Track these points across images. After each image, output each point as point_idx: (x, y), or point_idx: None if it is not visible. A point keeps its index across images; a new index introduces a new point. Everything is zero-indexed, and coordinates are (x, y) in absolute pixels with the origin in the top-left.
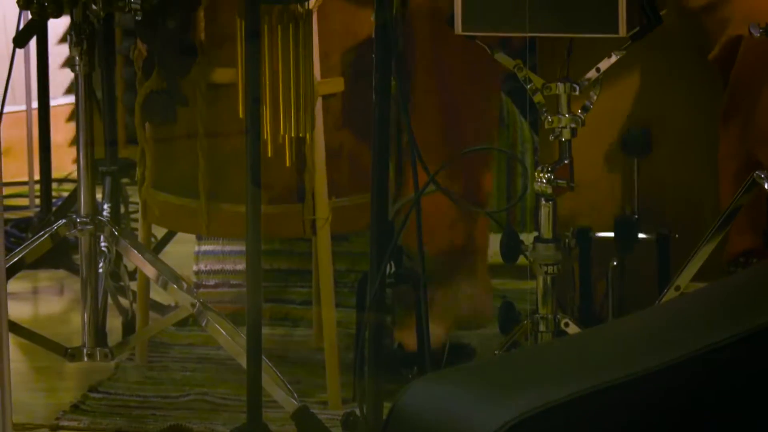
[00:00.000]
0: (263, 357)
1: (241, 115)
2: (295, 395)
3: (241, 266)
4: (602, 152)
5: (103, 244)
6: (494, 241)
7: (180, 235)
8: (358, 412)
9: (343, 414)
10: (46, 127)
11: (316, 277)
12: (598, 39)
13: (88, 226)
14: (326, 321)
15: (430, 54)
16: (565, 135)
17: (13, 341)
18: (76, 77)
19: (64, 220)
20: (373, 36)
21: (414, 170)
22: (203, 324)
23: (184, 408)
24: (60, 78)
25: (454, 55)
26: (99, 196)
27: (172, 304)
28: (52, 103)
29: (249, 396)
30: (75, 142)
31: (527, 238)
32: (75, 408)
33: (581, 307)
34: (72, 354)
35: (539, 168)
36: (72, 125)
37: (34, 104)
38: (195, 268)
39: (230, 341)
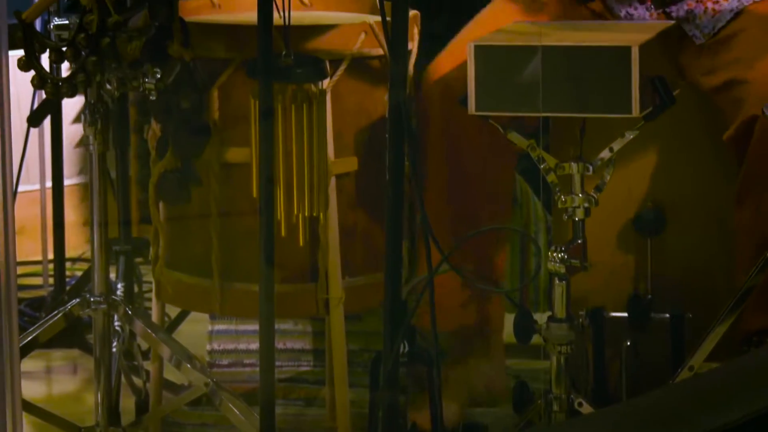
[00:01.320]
0: None
1: (254, 195)
2: None
3: (254, 345)
4: (616, 231)
5: (116, 323)
6: (508, 320)
7: (193, 315)
8: None
9: None
10: (60, 206)
11: (330, 356)
12: (611, 119)
13: (102, 306)
14: (339, 401)
15: (444, 134)
16: (579, 215)
17: (27, 420)
18: (90, 157)
19: (77, 300)
20: (387, 116)
21: (427, 249)
22: (217, 404)
23: None
24: (74, 157)
25: (467, 135)
26: (113, 275)
27: (186, 383)
28: (66, 182)
29: None
30: (89, 221)
31: (541, 317)
32: None
33: (595, 387)
34: None
35: (552, 248)
36: (86, 205)
37: (48, 183)
38: (208, 347)
39: (244, 421)
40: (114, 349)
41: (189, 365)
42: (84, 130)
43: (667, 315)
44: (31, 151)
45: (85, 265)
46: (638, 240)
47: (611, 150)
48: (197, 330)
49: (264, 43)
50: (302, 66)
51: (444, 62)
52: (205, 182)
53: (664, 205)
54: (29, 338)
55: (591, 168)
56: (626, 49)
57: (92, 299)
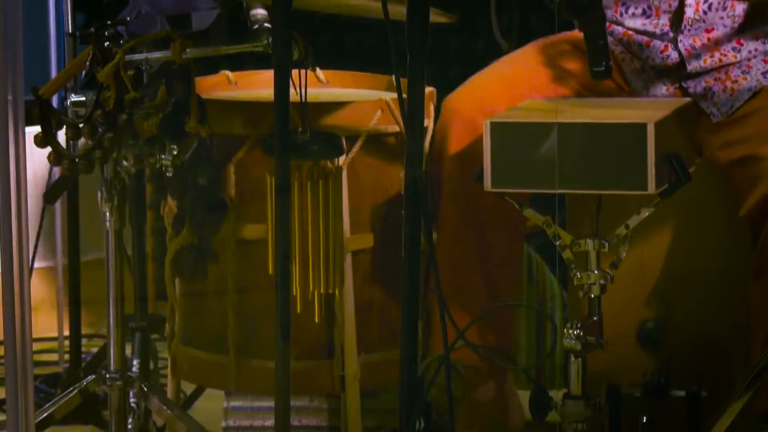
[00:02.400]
0: None
1: (270, 271)
2: None
3: (270, 422)
4: (632, 308)
5: (132, 400)
6: (524, 397)
7: (209, 391)
8: None
9: None
10: (75, 282)
11: None
12: (627, 195)
13: (118, 382)
14: None
15: (460, 210)
16: (594, 291)
17: None
18: (106, 233)
19: (93, 376)
20: (403, 192)
21: (443, 326)
22: None
23: None
24: (90, 233)
25: (483, 211)
26: (128, 351)
27: None
28: (82, 258)
29: None
30: (105, 297)
31: (556, 394)
32: None
33: None
34: None
35: (568, 324)
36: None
37: (64, 260)
38: (224, 424)
39: None
40: (129, 426)
41: None
42: (100, 206)
43: (683, 393)
44: (46, 228)
45: (100, 342)
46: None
47: (627, 227)
48: (213, 406)
49: (280, 120)
50: (318, 142)
51: (462, 98)
52: (222, 258)
53: (679, 282)
54: (45, 415)
55: (607, 245)
56: (642, 126)
57: (108, 376)
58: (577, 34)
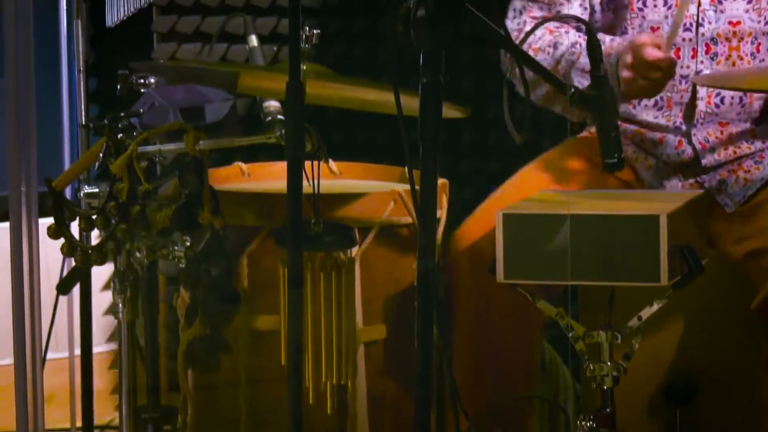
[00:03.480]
0: None
1: (283, 362)
2: None
3: None
4: (644, 400)
5: None
6: None
7: None
8: None
9: None
10: (88, 373)
11: None
12: (640, 287)
13: None
14: None
15: (472, 301)
16: (607, 383)
17: None
18: (119, 324)
19: None
20: (416, 284)
21: (456, 417)
22: None
23: None
24: (103, 324)
25: (495, 303)
26: None
27: None
28: (95, 350)
29: None
30: (117, 389)
31: None
32: None
33: None
34: None
35: (581, 416)
36: (115, 372)
37: (77, 351)
38: None
39: None
40: None
41: None
42: (113, 297)
43: None
44: (59, 318)
45: None
46: (667, 409)
47: (639, 319)
48: None
49: (293, 212)
50: (331, 234)
51: (472, 228)
52: (234, 350)
53: (693, 374)
54: None
55: (619, 336)
56: (654, 218)
57: None
58: (581, 135)
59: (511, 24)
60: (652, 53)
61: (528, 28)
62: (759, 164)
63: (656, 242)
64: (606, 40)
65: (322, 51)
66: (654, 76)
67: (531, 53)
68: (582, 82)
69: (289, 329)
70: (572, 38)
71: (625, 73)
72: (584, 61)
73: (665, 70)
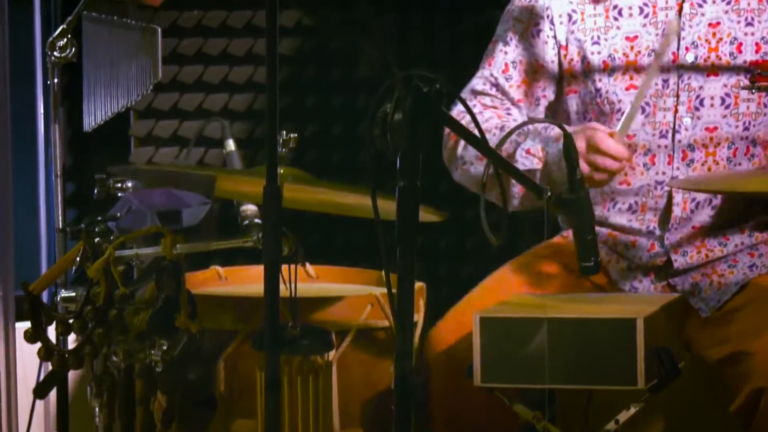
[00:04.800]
0: None
1: None
2: None
3: None
4: None
5: None
6: None
7: None
8: None
9: None
10: None
11: None
12: (617, 390)
13: None
14: None
15: (449, 404)
16: None
17: None
18: (96, 429)
19: None
20: (393, 387)
21: None
22: None
23: None
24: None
25: (472, 406)
26: None
27: None
28: None
29: None
30: None
31: None
32: None
33: None
34: None
35: None
36: None
37: None
38: None
39: None
40: None
41: None
42: (90, 401)
43: None
44: (36, 423)
45: None
46: None
47: (617, 422)
48: None
49: (270, 315)
50: (308, 337)
51: (448, 330)
52: None
53: None
54: None
55: None
56: (631, 321)
57: None
58: (554, 241)
59: (457, 109)
60: (605, 141)
61: (477, 110)
62: (733, 268)
63: (633, 346)
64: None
65: (300, 155)
66: (604, 164)
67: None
68: (525, 164)
69: None
70: (519, 122)
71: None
72: (530, 143)
73: (618, 158)
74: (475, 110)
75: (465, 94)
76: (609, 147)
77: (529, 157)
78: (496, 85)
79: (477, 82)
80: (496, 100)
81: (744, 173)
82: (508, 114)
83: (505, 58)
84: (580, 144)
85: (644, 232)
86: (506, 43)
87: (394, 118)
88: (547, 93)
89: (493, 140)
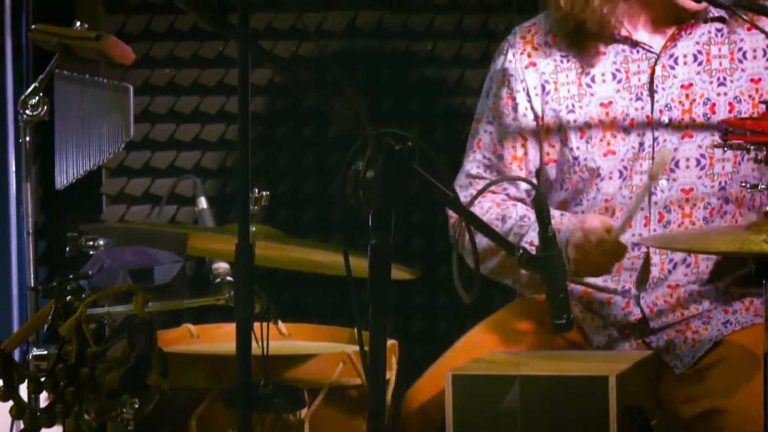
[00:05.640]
0: None
1: None
2: None
3: None
4: None
5: None
6: None
7: None
8: None
9: None
10: None
11: None
12: None
13: None
14: None
15: None
16: None
17: None
18: None
19: None
20: None
21: None
22: None
23: None
24: None
25: None
26: None
27: None
28: None
29: None
30: None
31: None
32: None
33: None
34: None
35: None
36: None
37: None
38: None
39: None
40: None
41: None
42: None
43: None
44: None
45: None
46: None
47: None
48: None
49: (243, 373)
50: (280, 396)
51: (421, 389)
52: None
53: None
54: None
55: None
56: (603, 379)
57: None
58: (528, 298)
59: (456, 185)
60: (602, 237)
61: (473, 191)
62: (707, 325)
63: (605, 403)
64: (556, 215)
65: (272, 212)
66: (601, 260)
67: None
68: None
69: None
70: (520, 211)
71: (574, 254)
72: (533, 234)
73: (613, 255)
74: (470, 189)
75: (461, 178)
76: (606, 250)
77: (533, 250)
78: (490, 167)
79: (471, 166)
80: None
81: (718, 231)
82: (506, 195)
83: (491, 138)
84: (578, 241)
85: (619, 291)
86: (489, 122)
87: (367, 175)
88: (535, 165)
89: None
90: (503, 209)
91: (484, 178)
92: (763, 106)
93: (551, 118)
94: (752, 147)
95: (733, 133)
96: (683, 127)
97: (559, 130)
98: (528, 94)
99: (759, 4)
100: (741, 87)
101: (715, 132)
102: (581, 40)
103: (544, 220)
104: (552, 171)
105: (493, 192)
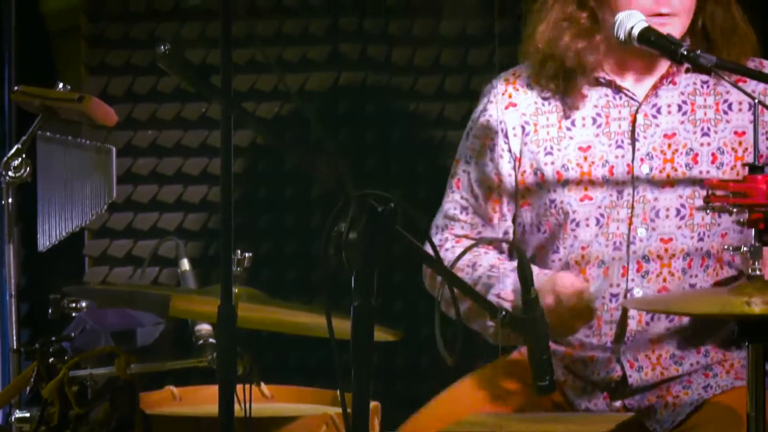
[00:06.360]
0: None
1: None
2: None
3: None
4: None
5: None
6: None
7: None
8: None
9: None
10: None
11: None
12: None
13: None
14: None
15: None
16: None
17: None
18: None
19: None
20: None
21: None
22: None
23: None
24: None
25: None
26: None
27: None
28: None
29: None
30: None
31: None
32: None
33: None
34: None
35: None
36: None
37: None
38: None
39: None
40: None
41: None
42: None
43: None
44: None
45: None
46: None
47: None
48: None
49: None
50: None
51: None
52: None
53: None
54: None
55: None
56: None
57: None
58: (513, 357)
59: (433, 239)
60: (573, 301)
61: (449, 245)
62: (687, 389)
63: None
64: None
65: (254, 274)
66: (571, 323)
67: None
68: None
69: None
70: (491, 260)
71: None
72: (500, 286)
73: (584, 318)
74: (447, 244)
75: (438, 219)
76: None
77: (501, 302)
78: (466, 208)
79: (448, 207)
80: (466, 226)
81: (699, 293)
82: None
83: (469, 178)
84: (549, 300)
85: (601, 347)
86: (467, 162)
87: (349, 237)
88: (511, 207)
89: (465, 279)
90: (474, 256)
91: (460, 220)
92: (745, 168)
93: (529, 159)
94: (734, 209)
95: (715, 194)
96: (664, 177)
97: (536, 173)
98: (506, 135)
99: (740, 65)
100: (725, 138)
101: (697, 183)
102: (564, 81)
103: (526, 281)
104: (527, 215)
105: (467, 237)
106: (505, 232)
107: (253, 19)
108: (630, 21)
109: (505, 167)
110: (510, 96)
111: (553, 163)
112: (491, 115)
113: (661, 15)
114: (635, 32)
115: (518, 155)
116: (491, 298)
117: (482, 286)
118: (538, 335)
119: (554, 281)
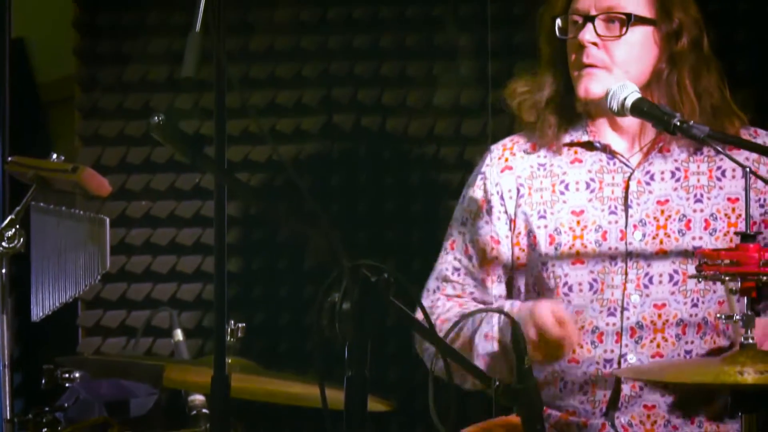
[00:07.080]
0: None
1: None
2: None
3: None
4: None
5: None
6: None
7: None
8: None
9: None
10: None
11: None
12: None
13: None
14: None
15: None
16: None
17: None
18: None
19: None
20: None
21: None
22: None
23: None
24: None
25: None
26: None
27: None
28: None
29: None
30: None
31: None
32: None
33: None
34: None
35: None
36: None
37: None
38: None
39: None
40: None
41: None
42: None
43: None
44: None
45: None
46: None
47: None
48: None
49: None
50: None
51: None
52: None
53: None
54: None
55: None
56: None
57: None
58: (511, 418)
59: (425, 302)
60: (554, 331)
61: (440, 305)
62: None
63: None
64: (506, 305)
65: (248, 344)
66: (551, 353)
67: (438, 324)
68: (485, 347)
69: None
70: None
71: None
72: (486, 327)
73: (564, 348)
74: (439, 303)
75: (431, 281)
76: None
77: (488, 341)
78: (459, 269)
79: (442, 268)
80: (458, 287)
81: (690, 362)
82: (472, 299)
83: (464, 240)
84: (529, 336)
85: (596, 413)
86: (463, 224)
87: (342, 307)
88: (505, 269)
89: (453, 321)
90: (463, 308)
91: (452, 281)
92: (737, 237)
93: (522, 221)
94: (727, 278)
95: (707, 264)
96: (657, 243)
97: (529, 235)
98: (502, 197)
99: (732, 136)
100: (718, 204)
101: (689, 249)
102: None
103: (520, 352)
104: (522, 277)
105: (459, 297)
106: (498, 296)
107: (247, 90)
108: (623, 92)
109: (502, 229)
110: (506, 160)
111: (546, 226)
112: (487, 178)
113: (590, 66)
114: (628, 103)
115: (513, 217)
116: (478, 338)
117: (468, 329)
118: (531, 405)
119: (533, 312)
